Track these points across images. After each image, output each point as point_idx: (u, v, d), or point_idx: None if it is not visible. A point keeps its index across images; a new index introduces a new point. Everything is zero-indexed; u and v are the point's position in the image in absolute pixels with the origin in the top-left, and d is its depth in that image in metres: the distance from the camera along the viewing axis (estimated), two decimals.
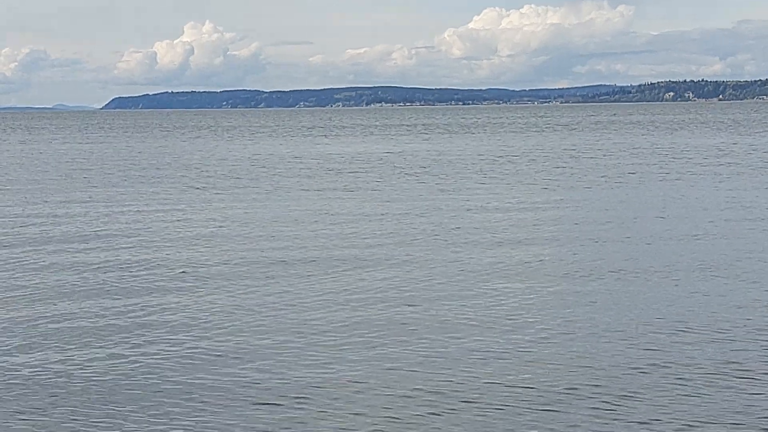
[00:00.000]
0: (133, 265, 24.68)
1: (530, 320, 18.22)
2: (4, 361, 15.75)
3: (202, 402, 13.61)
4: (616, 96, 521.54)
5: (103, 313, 19.16)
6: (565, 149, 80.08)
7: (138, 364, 15.43)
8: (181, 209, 37.68)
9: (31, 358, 15.93)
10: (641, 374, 14.68)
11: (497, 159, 68.29)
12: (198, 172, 58.40)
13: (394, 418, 12.98)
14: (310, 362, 15.49)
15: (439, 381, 14.47)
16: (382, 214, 35.24)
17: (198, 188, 47.12)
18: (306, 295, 20.58)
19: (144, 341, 16.90)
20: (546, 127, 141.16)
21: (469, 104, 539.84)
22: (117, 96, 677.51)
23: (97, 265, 24.59)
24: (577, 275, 22.76)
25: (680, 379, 14.44)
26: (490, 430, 12.58)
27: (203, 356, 15.90)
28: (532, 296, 20.48)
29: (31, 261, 25.47)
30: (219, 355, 15.94)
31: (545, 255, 25.82)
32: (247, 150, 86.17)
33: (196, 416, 13.05)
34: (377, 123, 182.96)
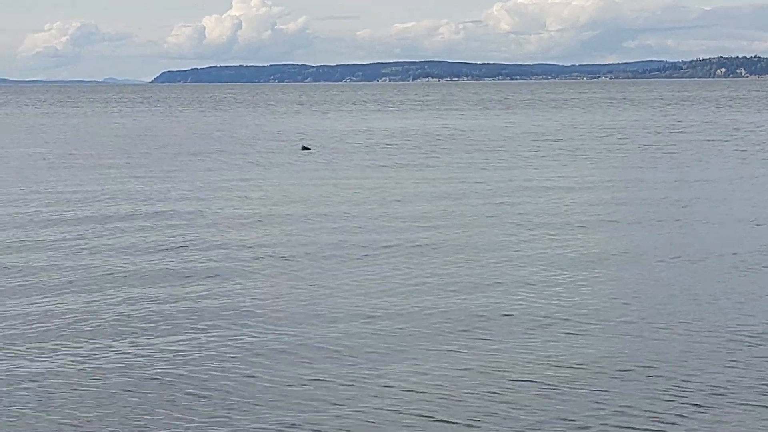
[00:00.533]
0: (192, 246, 24.52)
1: (596, 307, 17.93)
2: (69, 348, 15.64)
3: (267, 397, 13.42)
4: (667, 72, 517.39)
5: (166, 298, 19.03)
6: (624, 126, 79.32)
7: (204, 355, 15.25)
8: (240, 186, 37.54)
9: (99, 344, 15.80)
10: (706, 364, 14.37)
11: (553, 134, 67.73)
12: (256, 146, 58.27)
13: (454, 396, 12.92)
14: (373, 352, 15.29)
15: (500, 361, 14.41)
16: (442, 193, 34.94)
17: (258, 164, 46.98)
18: (367, 282, 20.32)
19: (209, 329, 16.74)
20: (603, 103, 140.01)
21: (516, 79, 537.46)
22: (166, 70, 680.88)
23: (157, 246, 24.45)
24: (642, 260, 22.39)
25: (747, 372, 14.07)
26: (550, 410, 12.54)
27: (267, 348, 15.69)
28: (596, 282, 20.18)
29: (91, 241, 25.36)
30: (284, 347, 15.72)
31: (609, 238, 25.50)
32: (301, 124, 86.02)
33: (266, 412, 12.85)
34: (431, 98, 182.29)
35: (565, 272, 20.98)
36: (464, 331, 16.37)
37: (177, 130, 78.82)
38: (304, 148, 56.70)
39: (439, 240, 25.04)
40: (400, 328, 16.52)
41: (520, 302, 18.33)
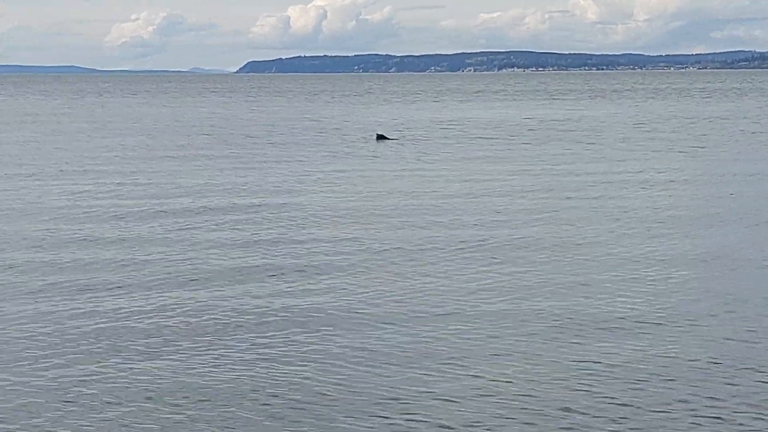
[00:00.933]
0: (288, 240, 24.27)
1: (700, 306, 17.50)
2: (170, 348, 15.50)
3: (378, 396, 13.18)
4: (755, 62, 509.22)
5: (263, 295, 18.80)
6: (720, 116, 77.89)
7: (307, 355, 15.04)
8: (334, 178, 37.23)
9: (201, 344, 15.62)
10: None
11: (647, 125, 66.62)
12: (349, 136, 57.98)
13: (579, 389, 12.65)
14: (484, 351, 15.04)
15: (622, 354, 14.16)
16: (537, 186, 34.38)
17: (351, 155, 46.75)
18: (466, 279, 19.96)
19: (309, 328, 16.52)
20: (695, 93, 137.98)
21: (602, 69, 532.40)
22: (251, 60, 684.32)
23: (253, 240, 24.21)
24: (743, 260, 21.75)
25: None
26: (666, 400, 12.59)
27: (372, 347, 15.47)
28: (698, 281, 19.69)
29: (190, 233, 25.16)
30: (389, 346, 15.49)
31: (708, 236, 24.92)
32: (392, 114, 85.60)
33: (379, 412, 12.63)
34: (519, 88, 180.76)
35: (667, 271, 20.42)
36: (570, 329, 15.98)
37: (268, 120, 78.89)
38: (381, 138, 56.39)
39: (537, 236, 24.56)
40: (507, 328, 16.16)
41: (624, 301, 17.89)
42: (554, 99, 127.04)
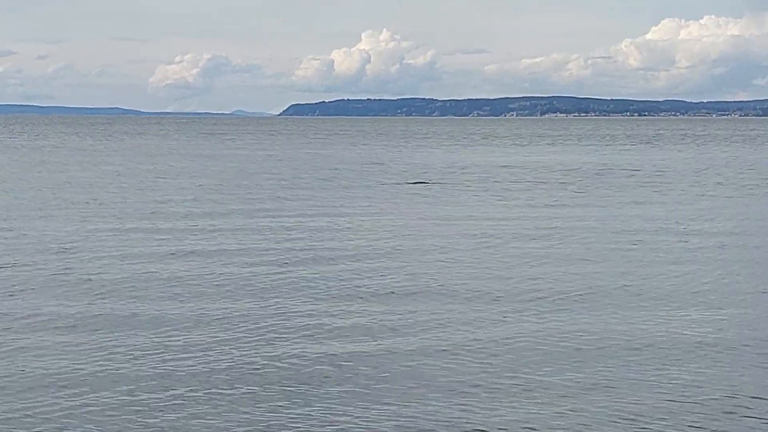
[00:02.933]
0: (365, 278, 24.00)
1: None
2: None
3: None
4: None
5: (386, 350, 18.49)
6: None
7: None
8: (411, 226, 36.97)
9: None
10: None
11: (711, 170, 66.12)
12: (418, 179, 57.76)
13: None
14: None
15: None
16: (611, 246, 33.81)
17: (426, 198, 46.50)
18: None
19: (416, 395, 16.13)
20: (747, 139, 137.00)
21: (644, 115, 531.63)
22: (294, 103, 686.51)
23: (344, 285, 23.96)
24: None
25: None
26: None
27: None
28: None
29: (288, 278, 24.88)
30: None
31: None
32: (451, 157, 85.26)
33: None
34: (567, 132, 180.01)
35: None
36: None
37: (332, 163, 78.63)
38: (418, 182, 56.64)
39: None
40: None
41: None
42: (601, 145, 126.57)
